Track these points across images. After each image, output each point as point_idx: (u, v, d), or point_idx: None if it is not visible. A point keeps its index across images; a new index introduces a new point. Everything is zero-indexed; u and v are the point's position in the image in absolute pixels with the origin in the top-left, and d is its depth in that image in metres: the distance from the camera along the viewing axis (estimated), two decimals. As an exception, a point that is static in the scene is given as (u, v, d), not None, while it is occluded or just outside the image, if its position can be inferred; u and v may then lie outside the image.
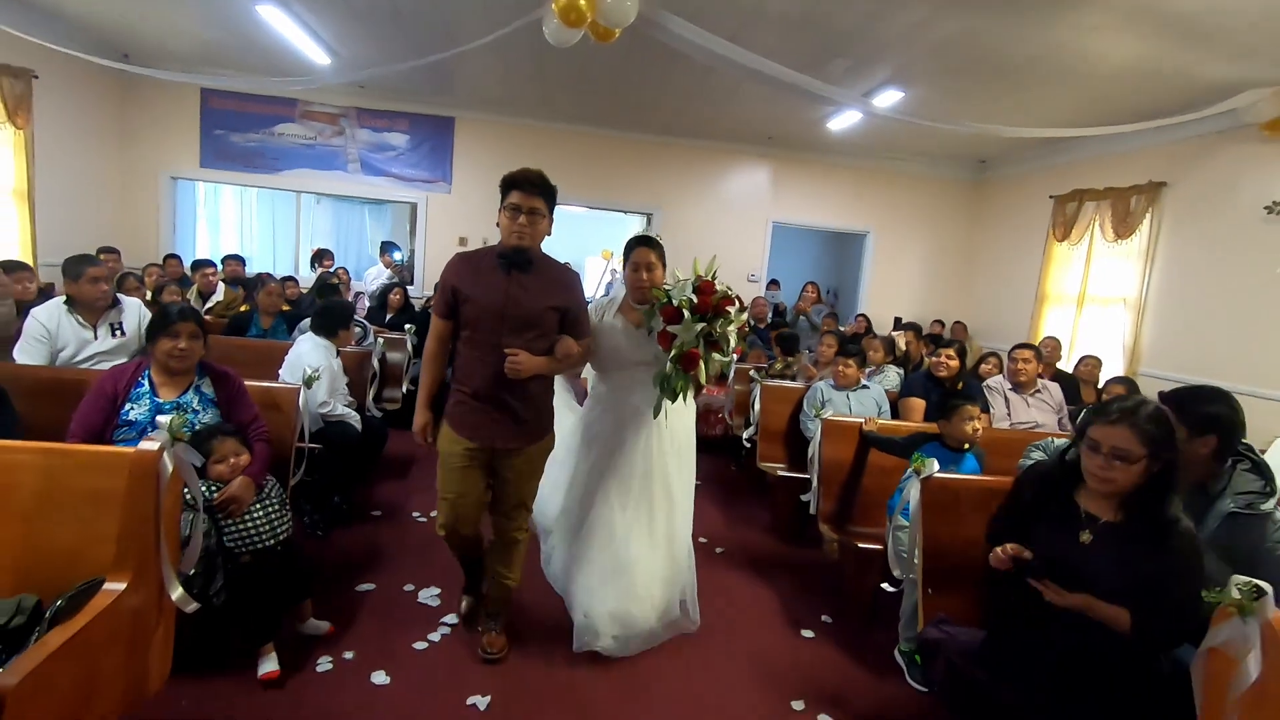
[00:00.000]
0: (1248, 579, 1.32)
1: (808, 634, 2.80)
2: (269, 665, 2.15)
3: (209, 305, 5.30)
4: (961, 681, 1.85)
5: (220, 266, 5.83)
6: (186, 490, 1.83)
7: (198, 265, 5.48)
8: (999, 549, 1.75)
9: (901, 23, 3.98)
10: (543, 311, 2.20)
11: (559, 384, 2.78)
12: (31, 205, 5.52)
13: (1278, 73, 4.20)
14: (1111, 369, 5.41)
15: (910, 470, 2.36)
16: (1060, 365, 5.33)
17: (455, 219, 7.29)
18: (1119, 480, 1.64)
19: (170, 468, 1.67)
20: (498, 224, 2.20)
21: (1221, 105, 4.48)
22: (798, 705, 2.32)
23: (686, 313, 2.30)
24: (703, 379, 2.37)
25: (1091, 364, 5.04)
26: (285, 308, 4.88)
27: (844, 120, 6.22)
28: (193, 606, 1.75)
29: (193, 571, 1.88)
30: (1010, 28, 3.93)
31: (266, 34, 5.32)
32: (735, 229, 7.76)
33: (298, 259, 7.48)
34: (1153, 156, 5.50)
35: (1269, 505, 1.85)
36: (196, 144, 6.82)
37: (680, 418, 2.59)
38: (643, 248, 2.47)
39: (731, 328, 2.38)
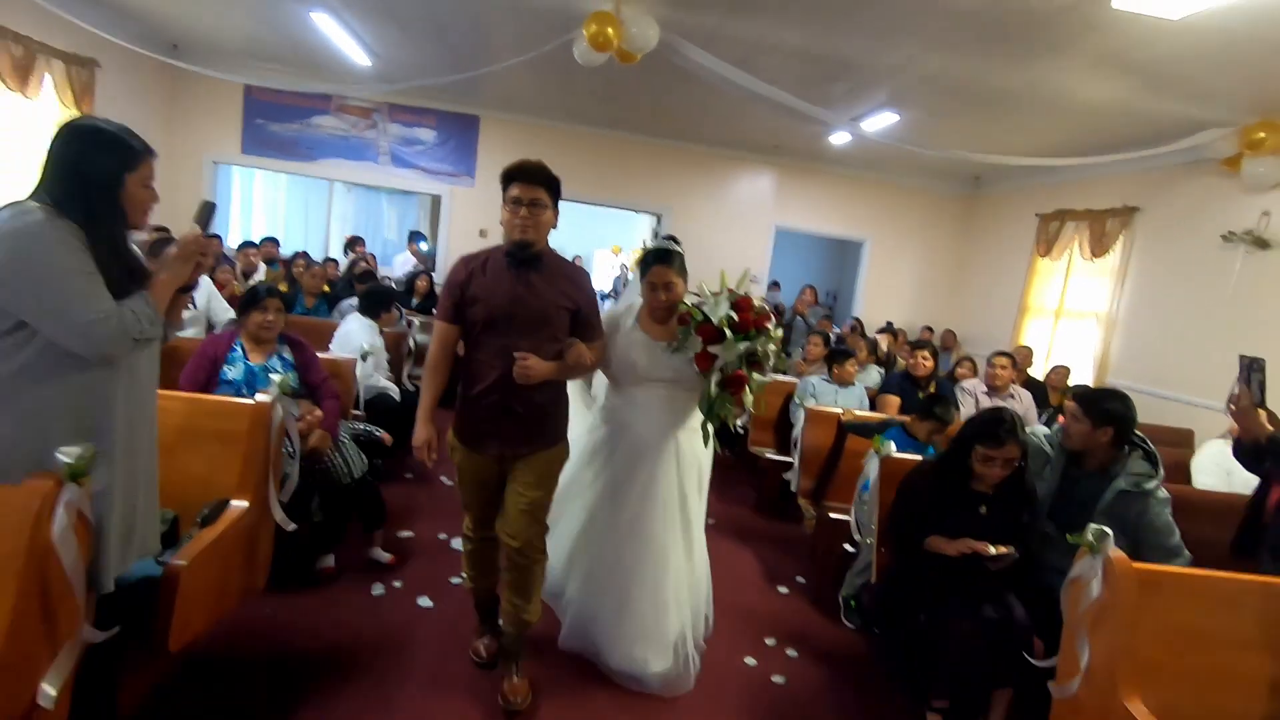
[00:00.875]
0: (1099, 527, 1.78)
1: (783, 590, 3.29)
2: (328, 563, 2.79)
3: (251, 283, 5.76)
4: (886, 606, 2.43)
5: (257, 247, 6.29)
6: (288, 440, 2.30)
7: (242, 247, 5.94)
8: (958, 546, 2.25)
9: (893, 56, 4.41)
10: (553, 311, 2.08)
11: (574, 384, 2.64)
12: (90, 184, 5.98)
13: (1235, 115, 4.63)
14: (1082, 378, 5.86)
15: (872, 450, 2.83)
16: (1033, 373, 5.78)
17: (477, 211, 7.75)
18: (1002, 474, 2.30)
19: (280, 416, 2.15)
20: (501, 222, 2.07)
21: (1185, 141, 4.92)
22: (770, 641, 2.81)
23: (728, 332, 2.15)
24: (748, 402, 2.23)
25: (1061, 373, 5.49)
26: (325, 289, 5.35)
27: (843, 136, 6.65)
28: (291, 526, 2.22)
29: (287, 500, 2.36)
30: (991, 66, 4.36)
31: (313, 35, 5.76)
32: (740, 231, 8.21)
33: (328, 242, 7.95)
34: (1127, 183, 5.94)
35: (1152, 485, 2.32)
36: (238, 131, 7.29)
37: (698, 442, 2.38)
38: (660, 266, 2.28)
39: (772, 346, 2.25)
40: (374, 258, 7.02)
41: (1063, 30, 3.64)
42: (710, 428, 2.28)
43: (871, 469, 2.79)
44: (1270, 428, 2.44)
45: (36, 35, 5.20)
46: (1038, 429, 2.86)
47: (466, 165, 7.68)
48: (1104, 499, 2.35)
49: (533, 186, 2.00)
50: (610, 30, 4.03)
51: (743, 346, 2.17)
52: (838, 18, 3.89)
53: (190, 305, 3.65)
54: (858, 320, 7.74)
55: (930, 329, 7.89)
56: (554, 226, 2.09)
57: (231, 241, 7.12)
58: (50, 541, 1.27)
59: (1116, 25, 3.45)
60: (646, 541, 2.33)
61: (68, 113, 5.69)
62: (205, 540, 1.84)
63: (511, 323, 2.03)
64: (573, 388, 2.42)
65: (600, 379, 2.59)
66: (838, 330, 7.26)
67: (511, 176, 2.03)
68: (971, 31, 3.83)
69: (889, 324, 7.68)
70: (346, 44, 5.77)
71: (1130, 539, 2.25)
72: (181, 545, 1.85)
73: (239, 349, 2.75)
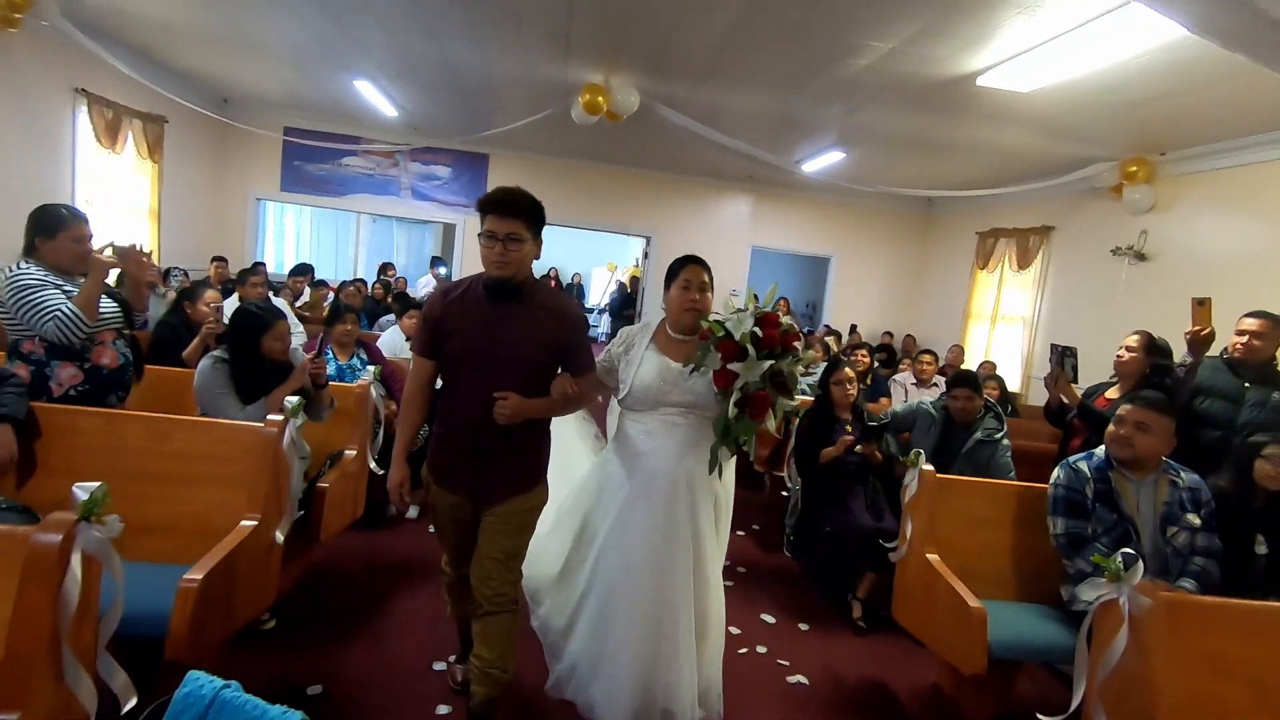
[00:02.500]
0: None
1: (740, 533, 4.26)
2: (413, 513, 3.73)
3: (299, 304, 6.76)
4: (803, 525, 3.38)
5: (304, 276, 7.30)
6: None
7: (293, 273, 6.95)
8: (838, 447, 3.31)
9: (830, 113, 5.43)
10: (534, 348, 1.96)
11: (578, 416, 2.54)
12: (158, 222, 7.01)
13: (1114, 152, 5.65)
14: (1012, 373, 6.85)
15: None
16: (966, 368, 6.77)
17: (487, 238, 8.78)
18: (851, 392, 3.45)
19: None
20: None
21: (1079, 173, 5.95)
22: (725, 563, 3.78)
23: (751, 349, 2.01)
24: (772, 426, 2.12)
25: (987, 367, 6.47)
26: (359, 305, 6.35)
27: (810, 165, 7.69)
28: (380, 471, 3.21)
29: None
30: (913, 119, 5.37)
31: (350, 94, 6.80)
32: (720, 251, 9.22)
33: (355, 266, 8.97)
34: (1045, 206, 6.96)
35: (999, 436, 3.34)
36: (278, 171, 8.33)
37: (724, 474, 2.25)
38: (695, 265, 2.20)
39: (799, 367, 2.13)
40: (404, 280, 8.03)
41: (953, 97, 4.66)
42: (721, 455, 2.11)
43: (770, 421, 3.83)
44: (1078, 397, 3.46)
45: (120, 99, 6.23)
46: (926, 401, 3.86)
47: (477, 197, 8.69)
48: (967, 446, 3.38)
49: (508, 219, 1.85)
50: (600, 99, 5.07)
51: (766, 365, 2.00)
52: (780, 85, 4.91)
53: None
54: (827, 327, 8.75)
55: (890, 334, 8.88)
56: (536, 257, 1.96)
57: (272, 267, 8.13)
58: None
59: (986, 97, 4.47)
60: (656, 586, 2.14)
61: (144, 164, 6.74)
62: (333, 476, 2.82)
63: (489, 358, 1.91)
64: (571, 417, 2.34)
65: (613, 406, 2.45)
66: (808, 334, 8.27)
67: (486, 207, 1.88)
68: (887, 96, 4.86)
69: (853, 327, 8.70)
70: (378, 100, 6.81)
71: (982, 473, 3.26)
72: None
73: (330, 352, 3.75)
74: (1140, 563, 1.77)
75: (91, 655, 1.40)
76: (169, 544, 2.11)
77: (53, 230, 2.52)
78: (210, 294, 3.94)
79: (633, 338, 2.29)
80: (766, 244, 9.40)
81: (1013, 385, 6.65)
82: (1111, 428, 2.59)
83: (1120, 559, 1.79)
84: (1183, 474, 2.52)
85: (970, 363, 7.20)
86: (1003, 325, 7.54)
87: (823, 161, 6.78)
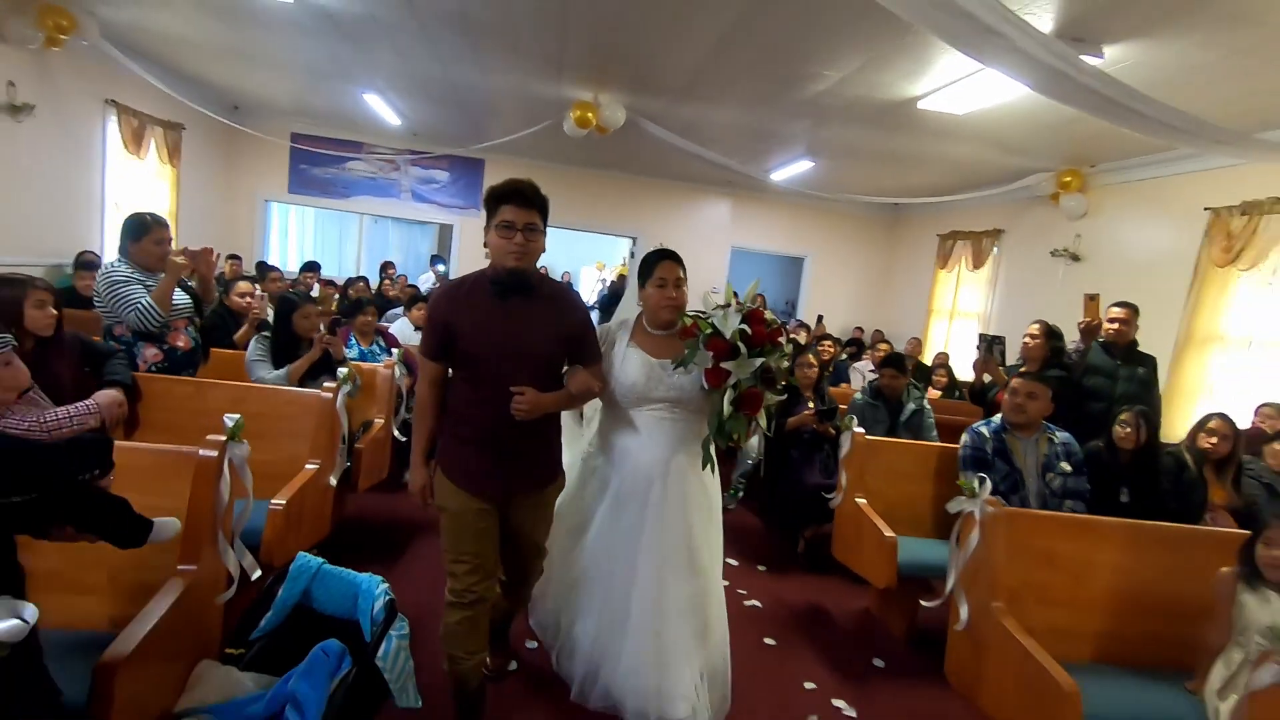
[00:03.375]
0: (984, 475, 3.35)
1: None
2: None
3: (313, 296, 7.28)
4: (769, 481, 4.01)
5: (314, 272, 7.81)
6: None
7: (302, 270, 7.46)
8: (801, 418, 3.89)
9: (796, 128, 6.04)
10: (548, 340, 1.95)
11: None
12: (176, 223, 7.49)
13: (1052, 164, 6.30)
14: (965, 365, 7.48)
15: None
16: (896, 351, 7.41)
17: (482, 237, 9.32)
18: (813, 374, 4.03)
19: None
20: (485, 244, 1.93)
21: (1022, 182, 6.60)
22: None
23: (742, 347, 2.03)
24: (763, 421, 2.13)
25: (941, 358, 7.10)
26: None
27: (783, 172, 8.30)
28: (403, 438, 3.76)
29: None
30: (870, 134, 5.98)
31: (357, 104, 7.32)
32: (702, 251, 9.81)
33: (359, 264, 9.48)
34: (996, 211, 7.61)
35: (924, 405, 3.96)
36: (285, 174, 8.83)
37: (695, 457, 2.22)
38: (669, 261, 2.19)
39: (785, 362, 2.18)
40: (405, 278, 8.56)
41: (900, 117, 5.28)
42: (712, 448, 2.16)
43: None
44: (1004, 378, 4.08)
45: (144, 109, 6.72)
46: (857, 396, 4.48)
47: (474, 199, 9.27)
48: (904, 415, 4.01)
49: (527, 209, 1.85)
50: (590, 114, 5.64)
51: (758, 363, 2.04)
52: (750, 104, 5.50)
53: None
54: (799, 321, 9.38)
55: (861, 329, 9.52)
56: (544, 251, 1.96)
57: (281, 265, 8.61)
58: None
59: (929, 117, 5.09)
60: (650, 584, 2.14)
61: (164, 168, 7.23)
62: (363, 443, 3.37)
63: (503, 356, 1.88)
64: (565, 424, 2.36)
65: (592, 408, 2.47)
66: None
67: (503, 197, 1.86)
68: (844, 115, 5.46)
69: (819, 318, 9.35)
70: (384, 110, 7.35)
71: (917, 436, 3.88)
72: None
73: (353, 339, 4.31)
74: (988, 483, 2.38)
75: (231, 539, 1.96)
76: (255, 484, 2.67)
77: (138, 234, 3.06)
78: (243, 285, 4.49)
79: (613, 335, 2.28)
80: (745, 244, 10.01)
81: (968, 375, 7.28)
82: (1007, 398, 3.20)
83: (976, 481, 2.40)
84: (1057, 434, 3.14)
85: (928, 354, 7.84)
86: (960, 320, 8.19)
87: (792, 170, 7.40)
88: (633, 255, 10.22)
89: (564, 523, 2.33)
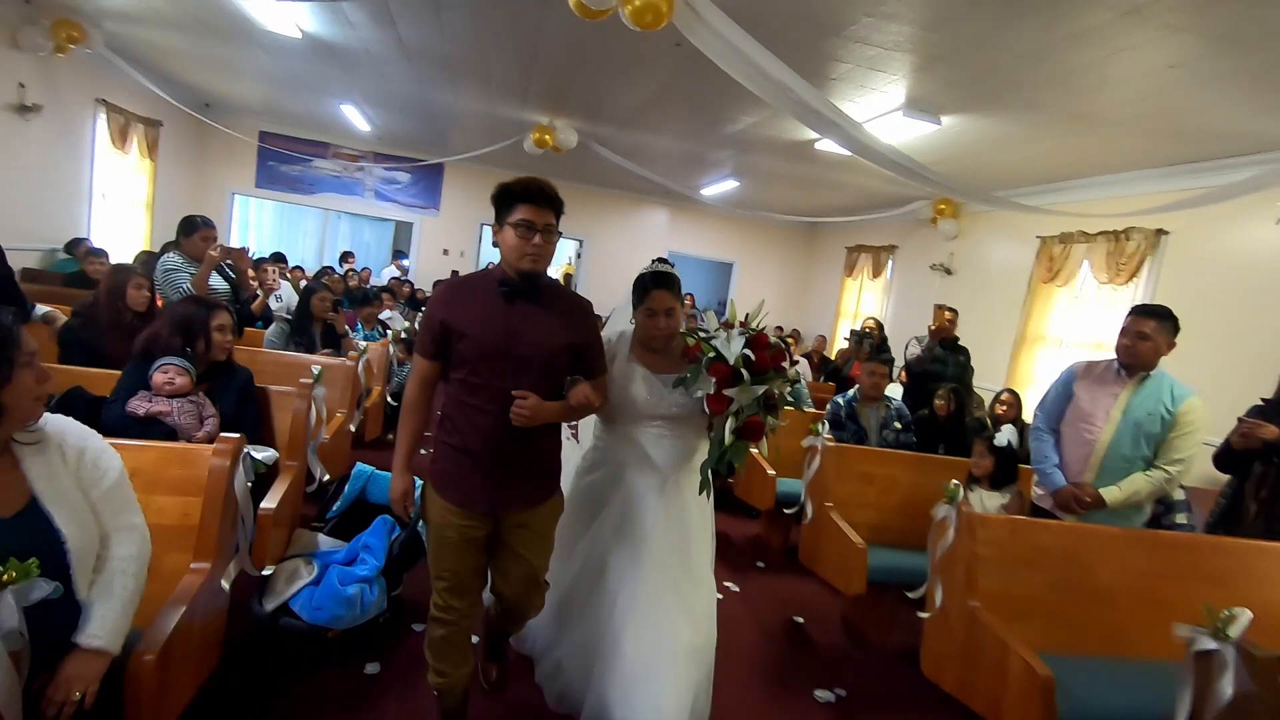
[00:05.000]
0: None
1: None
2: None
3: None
4: None
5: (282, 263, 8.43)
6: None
7: (271, 258, 8.10)
8: None
9: (725, 153, 7.15)
10: (554, 348, 1.86)
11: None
12: (152, 213, 8.01)
13: (929, 193, 7.61)
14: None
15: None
16: (827, 354, 8.67)
17: (441, 235, 10.13)
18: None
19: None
20: (494, 243, 1.87)
21: (908, 207, 7.91)
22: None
23: (745, 373, 1.97)
24: (764, 450, 2.07)
25: (819, 342, 8.39)
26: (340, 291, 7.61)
27: (714, 189, 9.43)
28: (395, 403, 4.63)
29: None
30: (782, 162, 7.14)
31: (329, 110, 8.02)
32: (642, 255, 10.79)
33: (322, 256, 10.10)
34: (890, 230, 8.95)
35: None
36: (253, 169, 9.38)
37: (695, 479, 2.14)
38: (660, 290, 2.10)
39: (789, 388, 2.11)
40: (369, 271, 9.26)
41: (802, 154, 6.44)
42: (711, 474, 2.08)
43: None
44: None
45: (128, 106, 7.25)
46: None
47: (433, 200, 10.03)
48: (888, 412, 5.11)
49: (546, 210, 1.80)
50: (547, 136, 6.59)
51: (760, 390, 1.98)
52: (683, 135, 6.56)
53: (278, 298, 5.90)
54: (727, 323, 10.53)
55: (781, 328, 10.77)
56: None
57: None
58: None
59: (825, 155, 6.27)
60: (649, 604, 2.07)
61: (144, 162, 7.75)
62: (330, 431, 4.24)
63: (505, 361, 1.80)
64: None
65: (586, 421, 2.37)
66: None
67: (520, 196, 1.79)
68: (760, 148, 6.59)
69: (746, 317, 10.53)
70: (356, 118, 8.07)
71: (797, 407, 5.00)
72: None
73: (359, 325, 5.15)
74: (826, 425, 3.49)
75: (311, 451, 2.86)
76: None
77: (189, 232, 3.86)
78: (267, 266, 5.31)
79: (613, 348, 2.18)
80: (681, 250, 11.11)
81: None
82: (863, 377, 4.34)
83: (821, 427, 3.52)
84: (893, 402, 4.31)
85: (833, 350, 9.13)
86: (862, 320, 9.50)
87: (720, 188, 8.54)
88: (579, 255, 11.17)
89: (560, 546, 2.18)
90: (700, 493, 2.13)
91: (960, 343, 4.90)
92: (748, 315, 2.13)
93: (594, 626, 2.15)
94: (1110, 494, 2.66)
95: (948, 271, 7.82)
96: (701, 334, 2.11)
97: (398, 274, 9.44)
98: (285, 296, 6.27)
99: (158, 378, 2.33)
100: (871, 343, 5.46)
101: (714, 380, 1.99)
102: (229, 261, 3.99)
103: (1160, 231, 5.24)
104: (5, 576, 1.10)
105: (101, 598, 1.41)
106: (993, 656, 2.20)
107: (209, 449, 1.91)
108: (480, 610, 2.10)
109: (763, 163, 7.26)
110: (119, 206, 7.42)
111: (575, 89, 5.77)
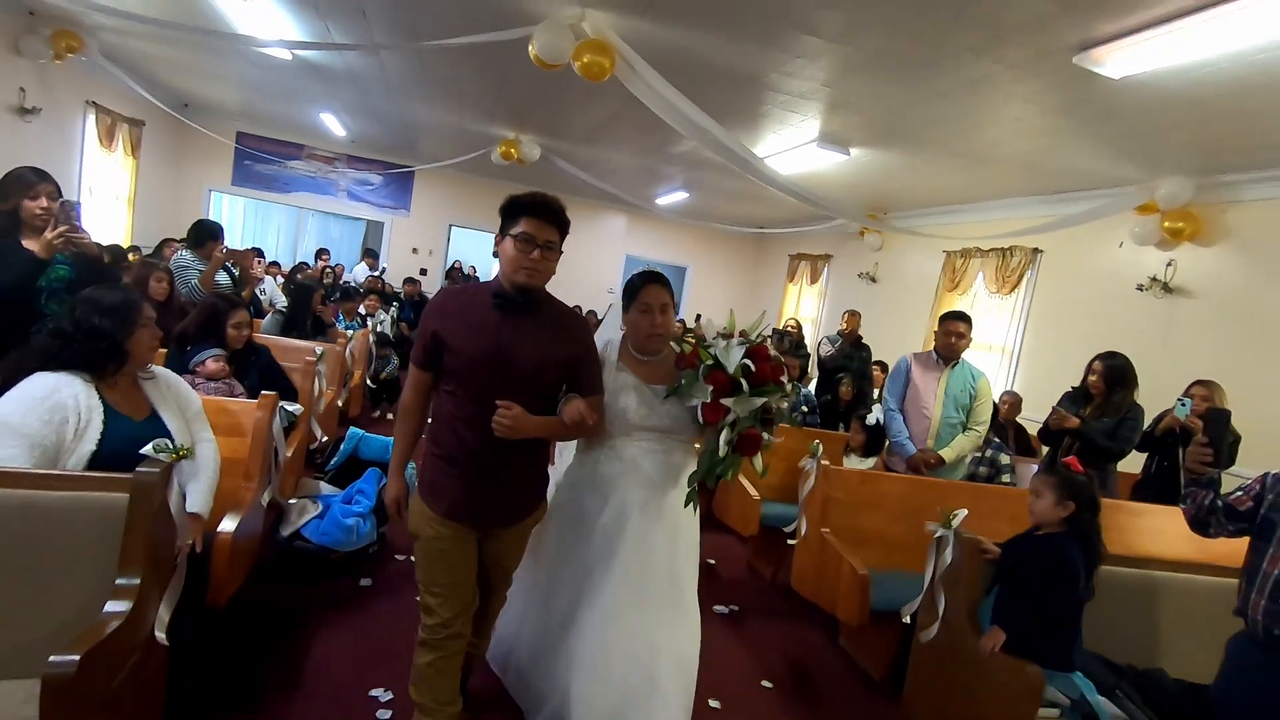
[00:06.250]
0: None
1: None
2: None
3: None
4: None
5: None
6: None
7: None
8: None
9: (675, 168, 7.92)
10: (543, 363, 1.83)
11: None
12: (133, 209, 8.43)
13: (856, 210, 8.49)
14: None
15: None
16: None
17: (411, 235, 10.71)
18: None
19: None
20: (494, 254, 1.85)
21: (839, 220, 8.78)
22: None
23: (744, 383, 1.91)
24: (759, 464, 2.02)
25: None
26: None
27: (668, 198, 10.20)
28: (372, 385, 5.27)
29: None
30: (726, 179, 7.93)
31: (307, 115, 8.55)
32: (600, 259, 11.60)
33: (296, 252, 10.58)
34: (826, 240, 9.83)
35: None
36: (230, 168, 9.83)
37: (683, 494, 2.08)
38: (655, 286, 2.09)
39: (786, 403, 2.06)
40: (342, 267, 9.79)
41: (738, 171, 7.24)
42: (695, 486, 2.02)
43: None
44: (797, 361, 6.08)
45: (114, 107, 7.69)
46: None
47: (404, 201, 10.60)
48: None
49: (550, 226, 1.80)
50: (513, 150, 7.28)
51: (759, 402, 1.94)
52: (637, 152, 7.31)
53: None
54: (681, 322, 11.33)
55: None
56: (553, 273, 1.85)
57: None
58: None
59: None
60: (636, 622, 2.04)
61: (128, 160, 8.18)
62: (326, 400, 4.88)
63: (494, 375, 1.79)
64: None
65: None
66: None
67: (525, 209, 1.80)
68: (705, 166, 7.37)
69: (698, 317, 11.36)
70: (334, 125, 8.62)
71: None
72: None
73: (340, 317, 5.76)
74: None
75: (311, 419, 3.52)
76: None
77: (207, 239, 4.46)
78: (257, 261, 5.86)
79: (602, 357, 2.11)
80: (637, 253, 11.89)
81: (799, 365, 9.45)
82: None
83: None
84: (802, 390, 5.13)
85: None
86: (805, 325, 10.38)
87: (673, 198, 9.32)
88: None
89: (532, 556, 2.19)
90: (686, 505, 2.07)
91: (864, 341, 5.76)
92: (749, 326, 2.11)
93: (575, 652, 2.06)
94: (947, 454, 3.51)
95: (873, 280, 8.73)
96: (698, 340, 2.08)
97: (372, 273, 9.98)
98: (269, 289, 6.83)
99: (210, 365, 2.93)
100: (791, 340, 6.28)
101: (711, 389, 1.94)
102: (232, 261, 4.60)
103: (1036, 250, 6.19)
104: (182, 451, 1.77)
105: (194, 481, 2.07)
106: (835, 568, 2.99)
107: (254, 403, 2.57)
108: (469, 634, 2.00)
109: (709, 178, 8.05)
110: (104, 201, 7.84)
111: (539, 110, 6.46)
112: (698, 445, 2.16)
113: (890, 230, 7.97)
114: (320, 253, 9.80)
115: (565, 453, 2.43)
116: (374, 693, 2.35)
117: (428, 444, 1.94)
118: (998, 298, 6.56)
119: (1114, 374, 3.59)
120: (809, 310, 10.19)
